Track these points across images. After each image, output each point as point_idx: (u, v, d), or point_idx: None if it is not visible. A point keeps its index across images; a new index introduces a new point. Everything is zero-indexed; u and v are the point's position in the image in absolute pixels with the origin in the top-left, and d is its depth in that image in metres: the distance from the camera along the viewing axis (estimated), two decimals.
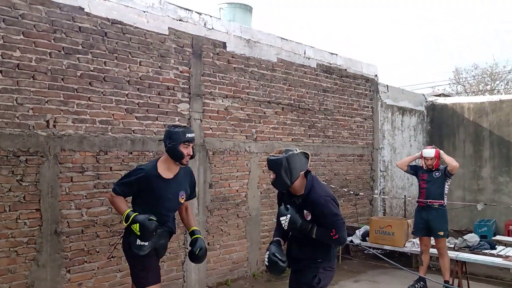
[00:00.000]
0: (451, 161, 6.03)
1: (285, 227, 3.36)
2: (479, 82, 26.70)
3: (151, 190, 3.74)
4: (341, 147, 8.30)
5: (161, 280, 3.90)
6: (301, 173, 3.34)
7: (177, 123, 5.60)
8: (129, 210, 3.70)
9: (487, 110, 10.20)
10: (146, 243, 3.62)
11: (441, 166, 6.16)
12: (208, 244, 6.07)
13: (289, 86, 7.26)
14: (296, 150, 3.37)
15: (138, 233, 3.57)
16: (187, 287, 5.80)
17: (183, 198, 3.96)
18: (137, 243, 3.62)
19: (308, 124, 7.63)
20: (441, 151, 6.20)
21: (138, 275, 3.75)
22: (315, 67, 7.75)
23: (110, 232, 5.00)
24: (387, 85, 9.70)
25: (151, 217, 3.61)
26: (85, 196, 4.84)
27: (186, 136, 3.76)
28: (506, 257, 6.25)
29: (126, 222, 3.64)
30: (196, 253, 3.94)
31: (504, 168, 9.89)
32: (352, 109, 8.56)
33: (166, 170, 3.80)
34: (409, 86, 23.34)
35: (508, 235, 8.90)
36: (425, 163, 6.21)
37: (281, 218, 3.35)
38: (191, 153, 3.83)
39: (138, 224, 3.57)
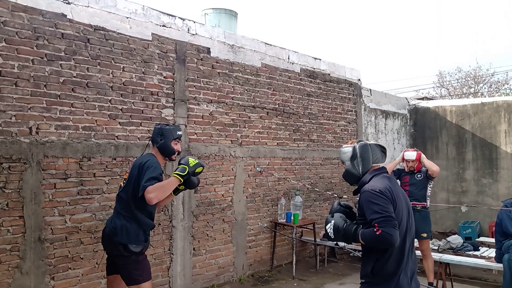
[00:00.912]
0: (431, 166, 6.11)
1: (332, 236, 2.98)
2: (462, 85, 27.03)
3: None
4: (325, 151, 8.35)
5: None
6: (375, 166, 3.02)
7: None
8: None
9: (469, 112, 10.33)
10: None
11: (423, 169, 6.22)
12: (193, 249, 6.08)
13: (273, 90, 7.30)
14: (369, 141, 3.10)
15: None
16: None
17: None
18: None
19: (293, 128, 7.68)
20: (423, 155, 6.27)
21: (147, 269, 3.87)
22: (299, 71, 7.81)
23: (94, 238, 4.98)
24: (370, 89, 9.79)
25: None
26: (69, 202, 4.82)
27: (177, 133, 4.02)
28: (489, 258, 6.33)
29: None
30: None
31: (487, 170, 10.01)
32: (336, 113, 8.63)
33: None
34: (393, 90, 23.65)
35: (492, 237, 9.00)
36: (406, 165, 6.30)
37: (327, 227, 3.00)
38: (180, 150, 4.08)
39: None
